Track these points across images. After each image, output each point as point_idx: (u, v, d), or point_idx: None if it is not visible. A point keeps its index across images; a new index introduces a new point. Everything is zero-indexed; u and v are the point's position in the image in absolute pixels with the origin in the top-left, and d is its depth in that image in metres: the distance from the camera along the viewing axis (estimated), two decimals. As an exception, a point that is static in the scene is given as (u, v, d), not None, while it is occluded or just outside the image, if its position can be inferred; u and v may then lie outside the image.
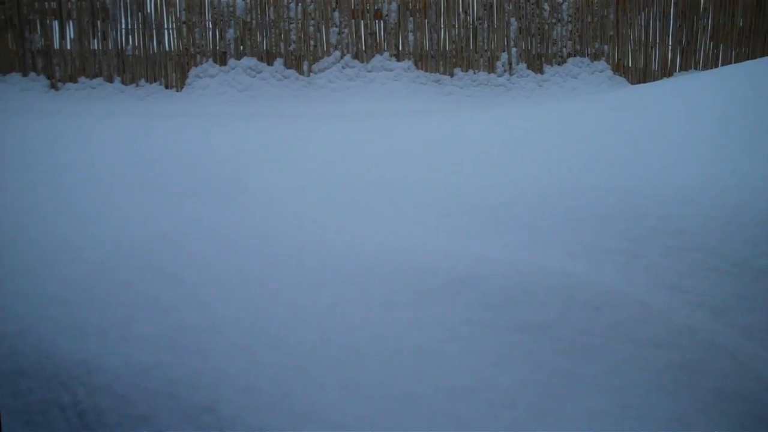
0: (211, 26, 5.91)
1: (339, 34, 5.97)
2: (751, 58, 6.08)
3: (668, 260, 2.74)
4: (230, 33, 5.90)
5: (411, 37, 6.01)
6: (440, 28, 6.03)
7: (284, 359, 1.78)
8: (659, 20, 6.13)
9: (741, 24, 6.16)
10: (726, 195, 3.11)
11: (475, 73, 6.02)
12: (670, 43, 6.18)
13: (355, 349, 1.84)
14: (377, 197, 2.96)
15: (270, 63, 5.91)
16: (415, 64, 6.01)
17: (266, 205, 2.90)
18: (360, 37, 6.00)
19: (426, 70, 6.01)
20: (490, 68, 6.04)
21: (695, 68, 6.21)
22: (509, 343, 1.90)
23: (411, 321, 1.97)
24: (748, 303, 2.64)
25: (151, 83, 5.87)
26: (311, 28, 5.95)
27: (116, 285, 2.17)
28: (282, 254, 2.31)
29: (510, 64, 6.04)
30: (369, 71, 5.94)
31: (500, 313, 2.02)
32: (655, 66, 6.17)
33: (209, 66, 5.88)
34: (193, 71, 5.89)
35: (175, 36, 5.88)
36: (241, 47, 5.92)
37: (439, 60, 6.03)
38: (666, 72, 6.19)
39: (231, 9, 5.88)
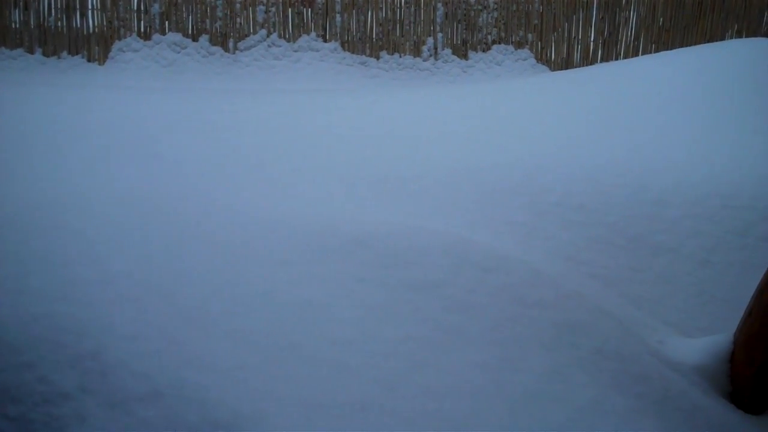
0: (135, 0, 5.85)
1: (266, 12, 5.96)
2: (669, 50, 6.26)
3: (567, 233, 2.83)
4: (155, 8, 5.85)
5: (338, 18, 6.03)
6: (367, 10, 6.07)
7: (173, 310, 1.80)
8: (582, 11, 6.27)
9: (661, 19, 6.33)
10: (628, 174, 3.21)
11: (401, 56, 6.08)
12: (593, 35, 6.32)
13: (246, 302, 1.87)
14: (288, 167, 2.99)
15: (195, 39, 5.88)
16: (342, 45, 6.04)
17: (177, 172, 2.91)
18: (287, 16, 6.00)
19: (352, 52, 6.04)
20: (416, 53, 6.10)
21: (616, 59, 6.36)
22: (398, 300, 1.95)
23: (304, 278, 2.01)
24: (642, 276, 2.74)
25: (73, 56, 5.78)
26: (238, 6, 5.93)
27: (15, 241, 2.16)
28: (185, 216, 2.32)
29: (436, 49, 6.11)
30: (295, 51, 5.94)
31: (393, 272, 2.07)
32: (577, 56, 6.31)
33: (133, 40, 5.82)
34: (116, 45, 5.82)
35: (99, 8, 5.80)
36: (167, 22, 5.87)
37: (366, 42, 6.07)
38: (588, 62, 6.33)
39: (157, -17, 5.83)
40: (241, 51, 5.88)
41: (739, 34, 6.44)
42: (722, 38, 6.41)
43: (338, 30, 6.03)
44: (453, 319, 1.92)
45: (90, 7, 5.77)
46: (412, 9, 6.08)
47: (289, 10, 6.00)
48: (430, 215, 2.72)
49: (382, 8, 6.08)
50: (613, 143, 3.48)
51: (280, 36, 5.97)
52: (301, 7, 5.92)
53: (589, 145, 3.44)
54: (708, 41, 6.38)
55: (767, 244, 2.99)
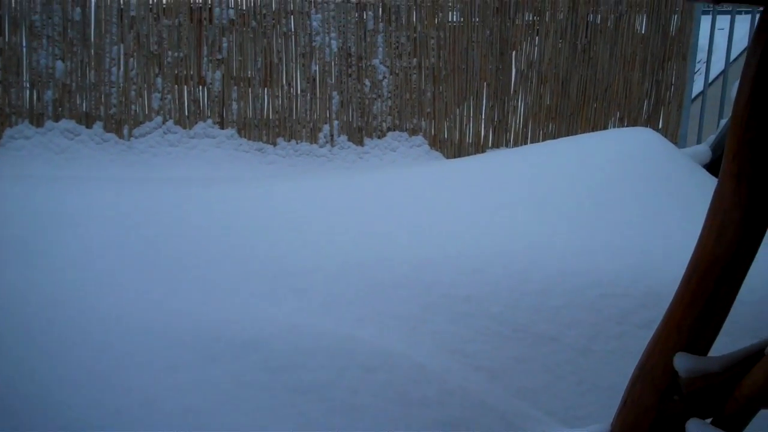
0: (28, 87, 5.79)
1: (162, 99, 5.98)
2: (557, 137, 6.53)
3: (454, 326, 2.90)
4: (48, 94, 5.80)
5: (235, 105, 6.09)
6: (264, 97, 6.16)
7: (49, 423, 1.77)
8: (473, 99, 6.50)
9: (547, 108, 6.62)
10: (514, 264, 3.33)
11: (297, 143, 6.16)
12: (483, 122, 6.55)
13: (129, 412, 1.86)
14: (174, 263, 2.98)
15: (89, 126, 5.84)
16: (239, 132, 6.09)
17: (61, 269, 2.87)
18: (183, 103, 6.03)
19: (249, 139, 6.10)
20: (313, 139, 6.20)
21: (506, 145, 6.60)
22: (283, 403, 1.97)
23: (190, 384, 2.00)
24: (526, 366, 2.82)
25: (-39, 142, 5.66)
26: (133, 93, 5.93)
27: None
28: (67, 318, 2.30)
29: (332, 136, 6.23)
30: (191, 137, 5.96)
31: (278, 375, 2.09)
32: (468, 142, 6.52)
33: (25, 127, 5.74)
34: (7, 132, 5.72)
35: (-12, 95, 5.72)
36: (60, 109, 5.82)
37: (263, 129, 6.14)
38: (480, 148, 6.54)
39: (51, 71, 5.78)
40: (136, 138, 5.87)
41: (621, 122, 6.78)
42: (605, 125, 6.74)
43: (235, 117, 6.09)
44: (336, 422, 1.95)
45: (-20, 93, 5.69)
46: (308, 97, 6.20)
47: (186, 96, 6.03)
48: (318, 311, 2.75)
49: (278, 96, 6.17)
50: (499, 233, 3.60)
51: (176, 123, 5.99)
52: (198, 86, 5.97)
53: (477, 235, 3.55)
54: (592, 128, 6.69)
55: (643, 332, 3.12)
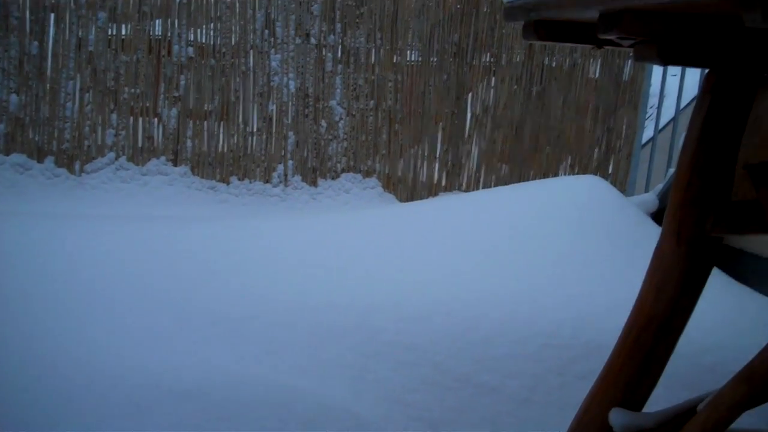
0: (-21, 119, 5.72)
1: (116, 135, 5.95)
2: (509, 182, 6.61)
3: (397, 374, 2.91)
4: (0, 128, 5.73)
5: (189, 143, 6.08)
6: (219, 135, 6.15)
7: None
8: (427, 143, 6.56)
9: (500, 153, 6.71)
10: (458, 313, 3.35)
11: (251, 182, 6.16)
12: (437, 165, 6.61)
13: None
14: (117, 305, 2.95)
15: (41, 161, 5.78)
16: (192, 170, 6.07)
17: None
18: (137, 139, 6.00)
19: (202, 177, 6.08)
20: (266, 178, 6.20)
21: (459, 188, 6.65)
22: (217, 457, 1.95)
23: (124, 435, 1.98)
24: (465, 417, 2.84)
25: None
26: (87, 128, 5.89)
27: None
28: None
29: (286, 176, 6.23)
30: (144, 174, 5.93)
31: (218, 425, 2.07)
32: (422, 185, 6.57)
33: (-26, 160, 5.66)
34: (-44, 164, 5.64)
35: (-63, 126, 5.64)
36: (11, 143, 5.75)
37: (216, 167, 6.13)
38: (433, 191, 6.59)
39: (5, 104, 5.73)
40: (88, 174, 5.82)
41: (572, 168, 6.88)
42: (557, 171, 6.84)
43: (189, 154, 6.07)
44: (271, 477, 1.94)
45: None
46: (264, 136, 6.21)
47: (140, 133, 6.00)
48: (261, 359, 2.74)
49: (234, 134, 6.17)
50: (445, 280, 3.62)
51: (129, 159, 5.95)
52: (153, 118, 5.95)
53: (424, 282, 3.57)
54: (544, 174, 6.78)
55: (584, 383, 3.15)
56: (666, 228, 2.05)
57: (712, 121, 1.93)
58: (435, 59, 6.52)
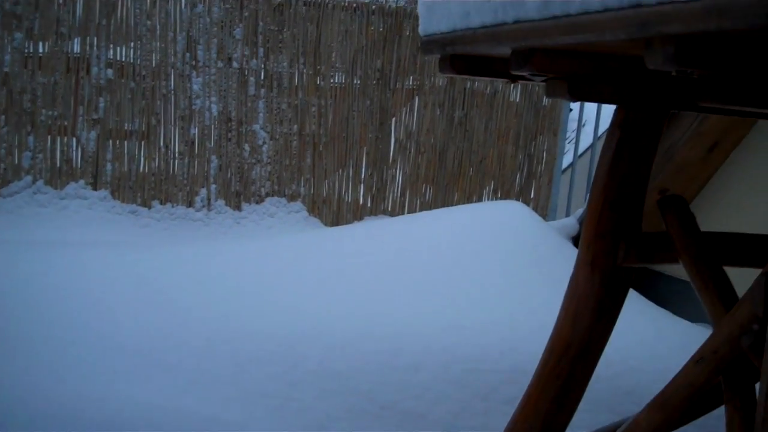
0: None
1: (33, 158, 5.82)
2: (433, 206, 6.68)
3: (321, 403, 2.90)
4: None
5: (109, 166, 5.98)
6: (140, 158, 6.07)
7: None
8: (352, 168, 6.59)
9: (425, 177, 6.77)
10: (385, 340, 3.36)
11: (173, 206, 6.08)
12: (362, 189, 6.64)
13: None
14: (35, 335, 2.88)
15: (-47, 185, 5.62)
16: (112, 193, 5.97)
17: None
18: (55, 163, 5.88)
19: (123, 201, 5.98)
20: (189, 203, 6.13)
21: (384, 212, 6.69)
22: (135, 495, 1.92)
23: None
24: (390, 444, 2.84)
25: None
26: (2, 151, 5.75)
27: None
28: None
29: (209, 200, 6.18)
30: (62, 198, 5.80)
31: (134, 464, 2.04)
32: (347, 210, 6.58)
33: None
34: None
35: None
36: None
37: (137, 191, 6.04)
38: (358, 216, 6.61)
39: None
40: (4, 198, 5.67)
41: (495, 193, 6.99)
42: (480, 196, 6.93)
43: (109, 178, 5.97)
44: None
45: None
46: (186, 160, 6.15)
47: (58, 156, 5.88)
48: (184, 390, 2.71)
49: (155, 158, 6.10)
50: (370, 307, 3.64)
51: (46, 183, 5.82)
52: (72, 137, 5.83)
53: (348, 309, 3.58)
54: (467, 198, 6.87)
55: (508, 407, 3.19)
56: (580, 258, 2.10)
57: (621, 155, 1.99)
58: (358, 84, 6.56)
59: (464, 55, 2.14)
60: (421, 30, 2.22)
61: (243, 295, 3.59)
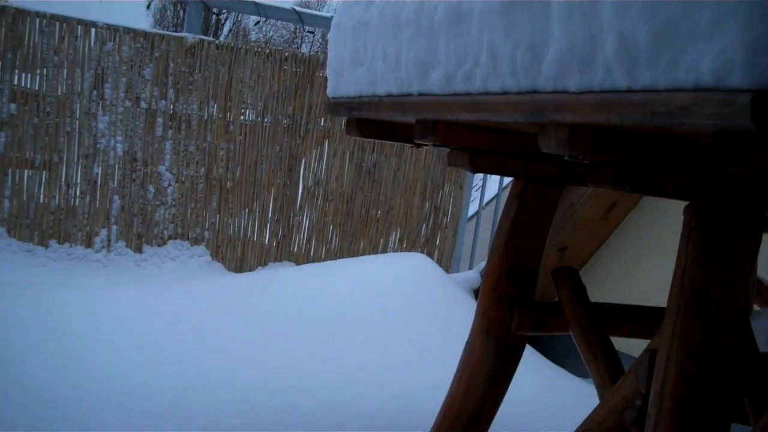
0: None
1: (-77, 192, 5.59)
2: (339, 254, 6.68)
3: (212, 461, 2.83)
4: None
5: (6, 203, 5.79)
6: (39, 196, 5.90)
7: None
8: (258, 213, 6.54)
9: (331, 226, 6.78)
10: (280, 395, 3.32)
11: (71, 246, 5.92)
12: (267, 235, 6.59)
13: None
14: None
15: None
16: (8, 231, 5.77)
17: None
18: (-52, 198, 5.67)
19: (19, 239, 5.79)
20: (88, 243, 5.98)
21: (289, 259, 6.65)
22: None
23: None
24: (282, 504, 2.80)
25: None
26: None
27: None
28: None
29: (109, 240, 6.04)
30: (-47, 236, 5.59)
31: None
32: (251, 255, 6.52)
33: None
34: None
35: None
36: None
37: (35, 229, 5.86)
38: (262, 262, 6.56)
39: None
40: None
41: (401, 243, 7.04)
42: (386, 245, 6.97)
43: (5, 215, 5.78)
44: None
45: None
46: (88, 199, 6.01)
47: (-49, 190, 5.68)
48: (67, 447, 2.61)
49: (55, 196, 5.93)
50: (265, 361, 3.59)
51: (-63, 218, 5.61)
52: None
53: (243, 363, 3.52)
54: (373, 247, 6.89)
55: (403, 466, 3.20)
56: (475, 325, 2.13)
57: (518, 226, 2.04)
58: (268, 129, 6.55)
59: (370, 120, 2.16)
60: (329, 92, 2.24)
61: (139, 345, 3.50)
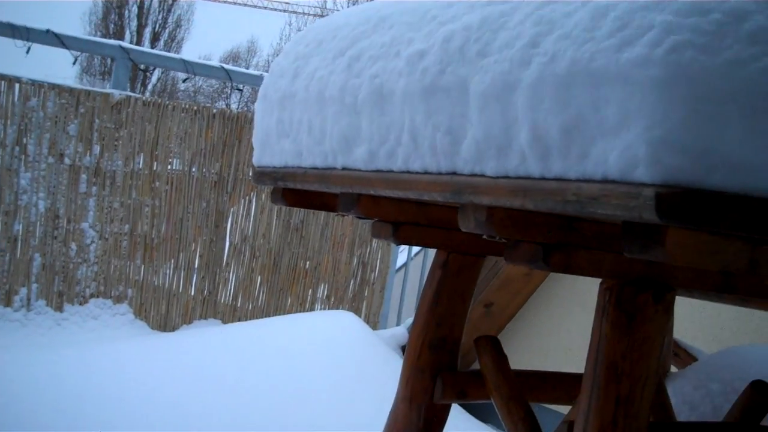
0: None
1: None
2: (266, 311, 6.63)
3: None
4: None
5: None
6: (-44, 255, 5.74)
7: None
8: (184, 270, 6.47)
9: (258, 282, 6.74)
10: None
11: (-10, 305, 5.75)
12: (193, 292, 6.51)
13: None
14: None
15: None
16: None
17: None
18: None
19: (-67, 299, 5.61)
20: (7, 302, 5.82)
21: (215, 317, 6.58)
22: None
23: None
24: None
25: None
26: None
27: None
28: None
29: (29, 299, 5.89)
30: None
31: None
32: (176, 313, 6.43)
33: None
34: None
35: None
36: None
37: (-50, 289, 5.68)
38: (187, 320, 6.47)
39: None
40: None
41: (328, 299, 7.03)
42: (313, 302, 6.95)
43: None
44: None
45: None
46: (8, 257, 5.86)
47: None
48: None
49: (-27, 253, 5.78)
50: (182, 425, 3.54)
51: None
52: None
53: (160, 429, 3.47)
54: (301, 304, 6.87)
55: None
56: (399, 393, 2.15)
57: (440, 295, 2.07)
58: (195, 185, 6.51)
59: (296, 189, 2.18)
60: (255, 161, 2.26)
61: (54, 411, 3.42)
